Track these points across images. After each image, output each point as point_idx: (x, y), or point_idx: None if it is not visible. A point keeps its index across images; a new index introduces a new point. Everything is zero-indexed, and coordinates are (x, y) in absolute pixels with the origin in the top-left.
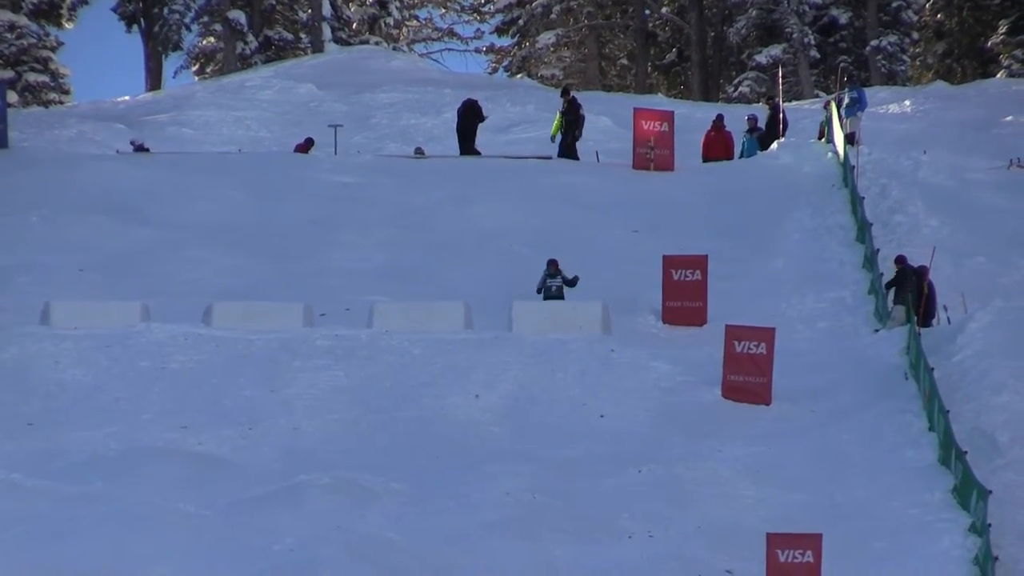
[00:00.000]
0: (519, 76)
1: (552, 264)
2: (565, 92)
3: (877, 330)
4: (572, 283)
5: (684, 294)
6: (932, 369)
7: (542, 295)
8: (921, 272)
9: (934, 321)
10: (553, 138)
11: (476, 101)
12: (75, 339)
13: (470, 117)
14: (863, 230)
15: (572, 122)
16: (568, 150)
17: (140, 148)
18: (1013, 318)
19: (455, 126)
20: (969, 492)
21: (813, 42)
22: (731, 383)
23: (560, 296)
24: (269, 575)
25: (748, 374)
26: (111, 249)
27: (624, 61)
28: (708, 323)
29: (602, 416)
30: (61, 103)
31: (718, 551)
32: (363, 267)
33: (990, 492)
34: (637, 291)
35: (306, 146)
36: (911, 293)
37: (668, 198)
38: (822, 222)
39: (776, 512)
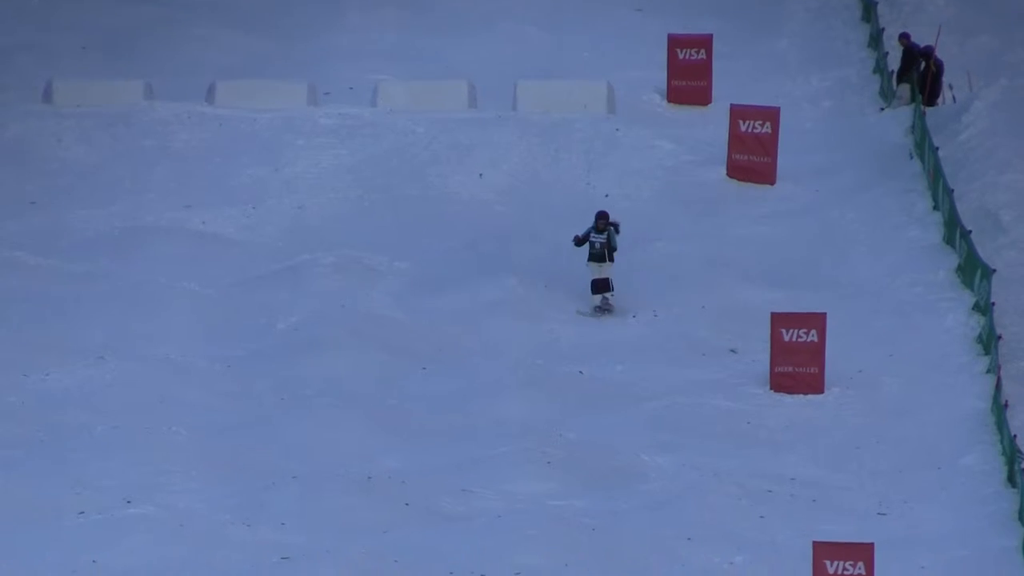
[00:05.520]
0: None
1: (602, 218)
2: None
3: (882, 109)
4: (614, 245)
5: (689, 74)
6: (937, 148)
7: (587, 248)
8: (927, 52)
9: (939, 100)
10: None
11: None
12: (78, 117)
13: None
14: (868, 9)
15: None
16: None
17: None
18: (1018, 97)
19: None
20: (973, 271)
21: None
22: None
23: (601, 255)
24: (272, 353)
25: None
26: (113, 27)
27: None
28: (713, 103)
29: (607, 195)
30: None
31: (722, 330)
32: (368, 47)
33: (994, 271)
34: (642, 70)
35: None
36: (916, 72)
37: None
38: (827, 1)
39: (781, 293)
